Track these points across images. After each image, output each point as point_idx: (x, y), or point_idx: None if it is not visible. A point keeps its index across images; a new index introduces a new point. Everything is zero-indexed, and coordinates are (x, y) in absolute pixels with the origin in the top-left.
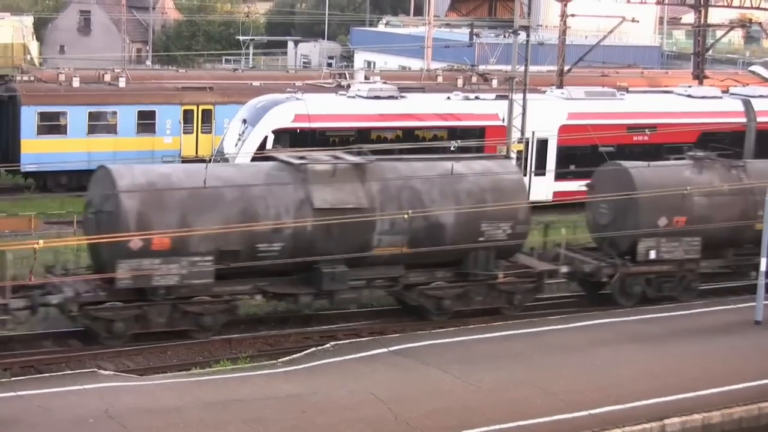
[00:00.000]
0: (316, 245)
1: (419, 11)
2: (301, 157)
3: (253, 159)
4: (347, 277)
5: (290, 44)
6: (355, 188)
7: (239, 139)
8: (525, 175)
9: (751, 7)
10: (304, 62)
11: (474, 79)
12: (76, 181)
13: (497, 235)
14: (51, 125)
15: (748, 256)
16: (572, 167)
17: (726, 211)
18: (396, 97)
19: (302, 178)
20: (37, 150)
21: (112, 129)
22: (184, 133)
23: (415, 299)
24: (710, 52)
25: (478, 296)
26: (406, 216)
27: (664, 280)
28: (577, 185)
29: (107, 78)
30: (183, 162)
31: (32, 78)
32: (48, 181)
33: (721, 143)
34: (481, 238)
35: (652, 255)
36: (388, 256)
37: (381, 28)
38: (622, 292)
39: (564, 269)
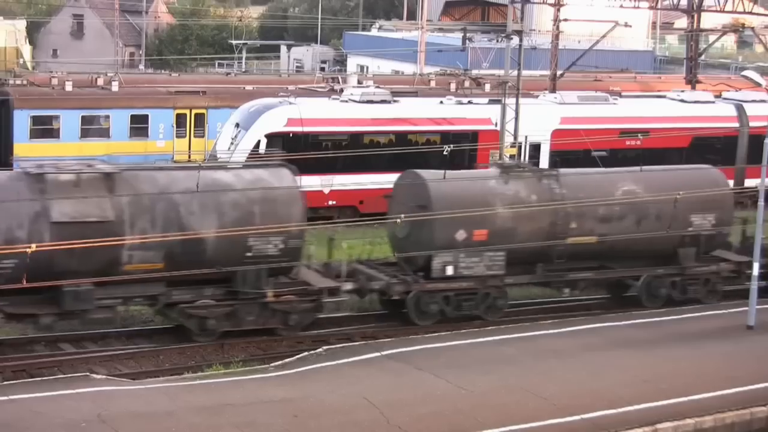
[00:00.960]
0: (55, 262)
1: (412, 15)
2: (42, 166)
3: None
4: (93, 296)
5: (283, 48)
6: (102, 200)
7: (232, 143)
8: None
9: (744, 12)
10: (297, 66)
11: (467, 83)
12: None
13: (267, 250)
14: (44, 129)
15: (560, 272)
16: None
17: (534, 224)
18: (389, 102)
19: (40, 188)
20: (29, 154)
21: (104, 133)
22: (176, 137)
23: (175, 318)
24: (703, 57)
25: (249, 316)
26: (398, 221)
27: (465, 297)
28: None
29: (100, 82)
30: None
31: (25, 82)
32: None
33: (713, 148)
34: (249, 254)
35: (449, 271)
36: (142, 272)
37: (374, 32)
38: (418, 311)
39: (347, 286)
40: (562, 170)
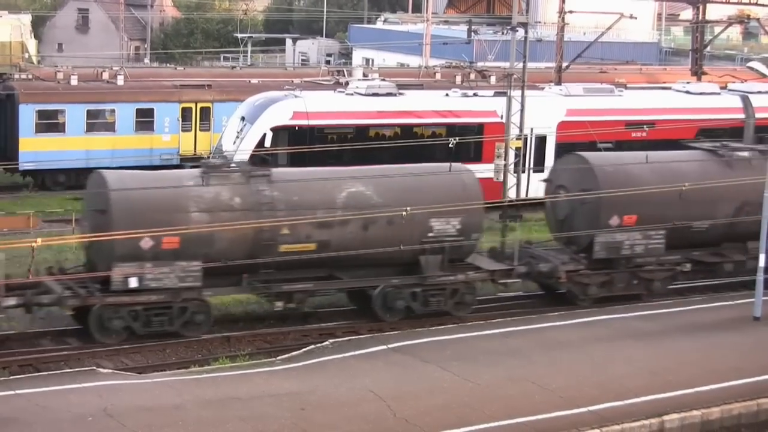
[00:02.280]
0: None
1: (417, 8)
2: None
3: (252, 156)
4: None
5: (288, 42)
6: None
7: (238, 137)
8: (524, 172)
9: (750, 3)
10: (302, 60)
11: (472, 76)
12: (74, 179)
13: None
14: (49, 123)
15: (274, 283)
16: None
17: (236, 230)
18: (394, 95)
19: None
20: (35, 148)
21: (110, 127)
22: (182, 130)
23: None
24: (708, 49)
25: None
26: (404, 213)
27: (157, 312)
28: None
29: (105, 76)
30: (182, 160)
31: (30, 76)
32: (46, 180)
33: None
34: None
35: (133, 283)
36: None
37: (379, 25)
38: (100, 328)
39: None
40: (278, 170)
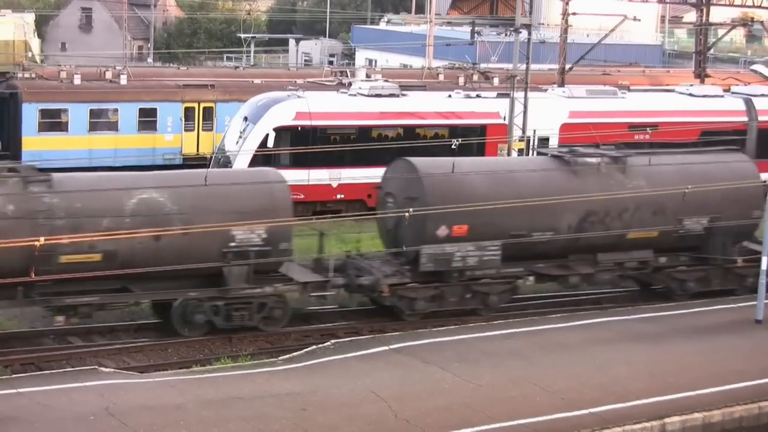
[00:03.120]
0: None
1: (421, 9)
2: None
3: (255, 157)
4: None
5: (291, 42)
6: None
7: (240, 137)
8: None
9: (753, 6)
10: (305, 60)
11: (475, 77)
12: None
13: None
14: (52, 122)
15: (56, 296)
16: None
17: (6, 240)
18: (397, 95)
19: None
20: (38, 147)
21: (113, 126)
22: (185, 130)
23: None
24: (712, 51)
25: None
26: (407, 215)
27: None
28: None
29: (108, 75)
30: (184, 160)
31: (33, 75)
32: None
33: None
34: None
35: None
36: None
37: (382, 26)
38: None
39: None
40: (60, 175)
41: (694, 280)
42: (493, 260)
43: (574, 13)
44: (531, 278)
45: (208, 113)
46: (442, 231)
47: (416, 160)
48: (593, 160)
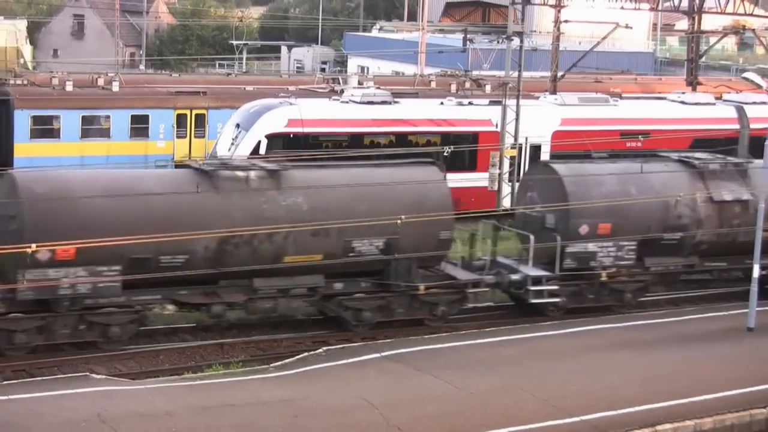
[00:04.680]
0: None
1: (413, 17)
2: None
3: None
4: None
5: (284, 49)
6: None
7: (233, 144)
8: (518, 181)
9: (745, 14)
10: (297, 67)
11: (467, 84)
12: None
13: None
14: (44, 129)
15: None
16: None
17: None
18: (389, 103)
19: None
20: (30, 154)
21: (105, 133)
22: (177, 137)
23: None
24: (704, 59)
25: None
26: (398, 221)
27: None
28: None
29: (100, 82)
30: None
31: (25, 82)
32: None
33: (713, 149)
34: None
35: None
36: None
37: (375, 33)
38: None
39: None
40: None
41: (372, 309)
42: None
43: (566, 21)
44: (170, 307)
45: (200, 120)
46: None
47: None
48: (240, 173)
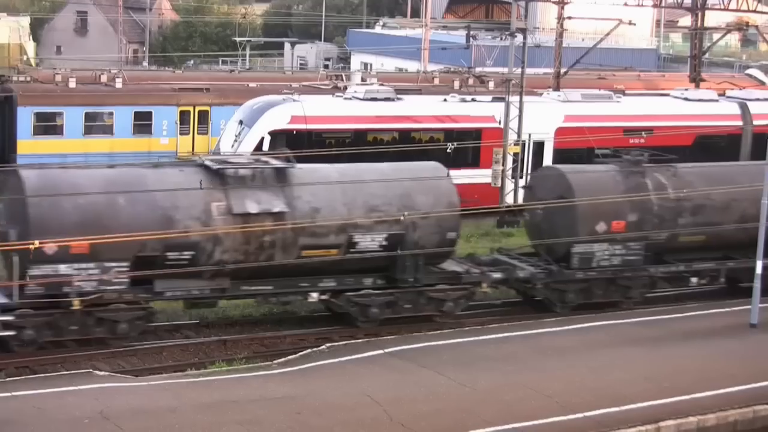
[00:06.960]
0: None
1: (416, 13)
2: None
3: None
4: None
5: (287, 46)
6: None
7: (236, 141)
8: (521, 177)
9: (748, 11)
10: (300, 64)
11: (471, 81)
12: None
13: None
14: (47, 126)
15: None
16: None
17: None
18: (393, 99)
19: None
20: (33, 151)
21: (108, 130)
22: (180, 134)
23: None
24: (707, 56)
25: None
26: (402, 218)
27: None
28: None
29: (104, 79)
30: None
31: (29, 78)
32: None
33: (717, 146)
34: None
35: None
36: None
37: (378, 29)
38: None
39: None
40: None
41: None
42: None
43: (569, 17)
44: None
45: (203, 117)
46: None
47: None
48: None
